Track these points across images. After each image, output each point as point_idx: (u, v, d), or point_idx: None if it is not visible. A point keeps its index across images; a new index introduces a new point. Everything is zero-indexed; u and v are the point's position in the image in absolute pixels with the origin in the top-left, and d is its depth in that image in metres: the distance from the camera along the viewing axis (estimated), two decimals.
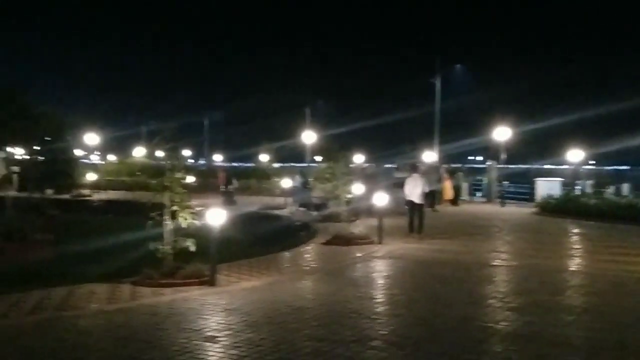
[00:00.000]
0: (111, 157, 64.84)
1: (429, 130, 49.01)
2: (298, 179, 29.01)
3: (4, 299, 9.82)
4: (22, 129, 20.62)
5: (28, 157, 26.65)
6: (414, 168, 20.29)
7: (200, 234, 11.44)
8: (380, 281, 12.60)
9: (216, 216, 11.09)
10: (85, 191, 34.65)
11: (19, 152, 35.75)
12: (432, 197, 26.46)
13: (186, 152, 58.56)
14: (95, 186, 37.17)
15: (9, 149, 38.05)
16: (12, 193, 33.32)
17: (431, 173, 27.43)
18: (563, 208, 25.11)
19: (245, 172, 46.67)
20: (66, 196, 30.54)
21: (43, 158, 25.00)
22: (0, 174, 34.32)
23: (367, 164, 36.50)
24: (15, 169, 33.85)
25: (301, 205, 26.04)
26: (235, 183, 31.91)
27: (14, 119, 18.09)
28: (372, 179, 25.20)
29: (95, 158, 67.16)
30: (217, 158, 74.30)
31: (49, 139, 23.71)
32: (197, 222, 11.40)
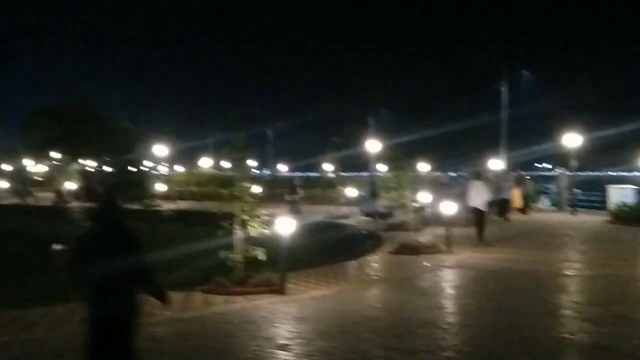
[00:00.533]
0: (178, 168, 66.14)
1: (496, 137, 48.27)
2: (364, 187, 28.96)
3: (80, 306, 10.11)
4: (98, 142, 21.30)
5: (102, 168, 27.49)
6: (477, 175, 20.03)
7: (270, 243, 11.54)
8: (451, 291, 12.41)
9: (285, 225, 11.18)
10: (155, 201, 35.41)
11: (91, 164, 36.87)
12: (504, 205, 26.01)
13: (251, 162, 59.07)
14: (164, 196, 37.95)
15: (83, 161, 39.37)
16: (84, 204, 34.40)
17: (501, 181, 26.97)
18: (638, 216, 24.25)
19: (310, 182, 46.86)
20: (137, 206, 31.27)
21: (116, 169, 25.75)
22: (77, 186, 35.58)
23: (436, 173, 36.14)
24: (94, 180, 34.83)
25: (367, 214, 25.96)
26: (300, 192, 32.05)
27: (89, 132, 18.70)
28: (441, 188, 24.93)
29: (162, 169, 68.71)
30: (282, 168, 74.92)
31: (122, 151, 24.38)
32: (266, 231, 11.50)
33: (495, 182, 25.43)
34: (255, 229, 11.38)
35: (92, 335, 5.36)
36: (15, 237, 22.69)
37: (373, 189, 27.46)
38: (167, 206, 35.30)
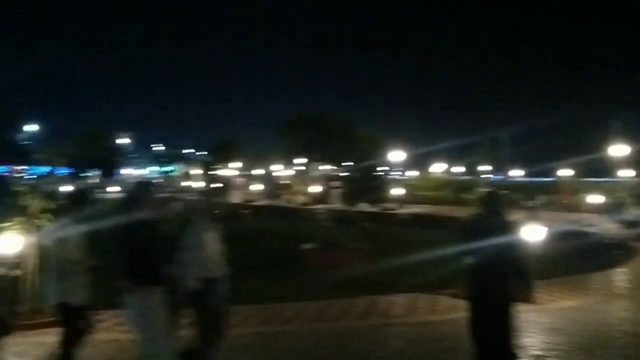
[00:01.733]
0: (411, 173, 66.59)
1: None
2: (609, 194, 26.96)
3: (335, 303, 10.55)
4: (342, 149, 22.21)
5: (345, 173, 28.51)
6: None
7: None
8: None
9: (533, 232, 10.72)
10: (392, 205, 35.95)
11: (331, 169, 38.39)
12: None
13: (485, 167, 57.68)
14: (400, 200, 38.41)
15: (327, 166, 41.27)
16: (327, 206, 35.98)
17: None
18: None
19: (544, 187, 44.64)
20: (375, 209, 31.97)
21: (358, 174, 26.58)
22: (321, 189, 37.43)
23: None
24: (335, 184, 36.27)
25: (616, 222, 24.10)
26: (537, 199, 30.66)
27: (336, 140, 19.66)
28: None
29: (396, 173, 69.59)
30: (516, 173, 72.19)
31: (364, 157, 25.13)
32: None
33: None
34: None
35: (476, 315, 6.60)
36: (267, 235, 24.20)
37: (621, 196, 25.46)
38: (403, 210, 35.72)
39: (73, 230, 6.32)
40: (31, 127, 35.72)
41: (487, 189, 8.31)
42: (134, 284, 5.66)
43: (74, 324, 6.33)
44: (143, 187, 6.38)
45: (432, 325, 9.20)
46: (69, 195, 7.06)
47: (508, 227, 6.53)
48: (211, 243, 6.61)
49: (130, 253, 5.71)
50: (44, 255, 6.39)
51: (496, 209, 6.57)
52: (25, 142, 22.70)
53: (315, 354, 7.79)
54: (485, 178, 13.89)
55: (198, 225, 6.60)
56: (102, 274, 6.23)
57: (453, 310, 10.14)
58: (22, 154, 21.60)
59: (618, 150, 41.67)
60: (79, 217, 6.40)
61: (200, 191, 6.64)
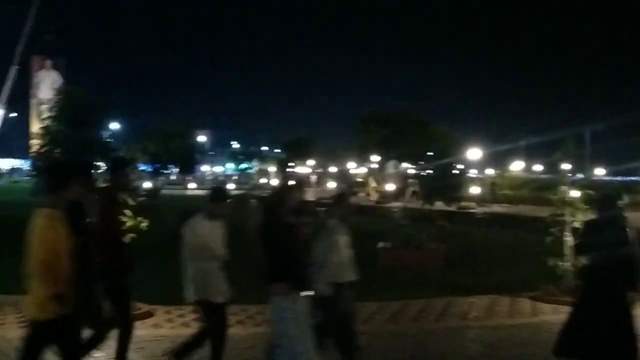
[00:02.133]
0: (489, 171, 65.32)
1: None
2: None
3: (412, 304, 10.36)
4: (419, 146, 21.96)
5: (422, 172, 28.20)
6: None
7: None
8: None
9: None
10: (469, 204, 35.32)
11: (406, 167, 37.99)
12: None
13: (567, 166, 55.91)
14: (477, 199, 37.72)
15: (400, 165, 40.94)
16: (402, 204, 35.64)
17: None
18: None
19: (630, 187, 42.87)
20: (452, 208, 31.48)
21: (435, 172, 26.25)
22: (396, 186, 37.16)
23: None
24: (411, 182, 35.96)
25: None
26: (625, 198, 29.45)
27: (412, 137, 19.40)
28: None
29: (473, 172, 68.39)
30: (599, 172, 69.72)
31: (441, 155, 24.78)
32: None
33: None
34: None
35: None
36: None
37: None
38: (480, 209, 35.01)
39: (213, 226, 6.37)
40: (114, 125, 36.80)
41: (603, 192, 8.33)
42: (282, 287, 5.69)
43: (213, 320, 6.39)
44: (286, 190, 6.53)
45: (512, 330, 8.91)
46: (210, 192, 7.08)
47: (624, 230, 6.52)
48: (343, 247, 6.66)
49: (279, 256, 5.76)
50: (186, 252, 6.37)
51: (613, 211, 6.61)
52: (107, 140, 23.47)
53: (391, 355, 7.67)
54: (569, 177, 13.38)
55: (330, 229, 6.65)
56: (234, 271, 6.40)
57: (534, 315, 9.84)
58: (104, 151, 22.31)
59: None
60: (217, 214, 6.46)
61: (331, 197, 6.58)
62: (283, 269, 5.70)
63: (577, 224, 10.62)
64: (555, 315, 9.69)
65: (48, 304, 4.67)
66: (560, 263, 10.63)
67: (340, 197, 7.56)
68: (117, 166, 6.97)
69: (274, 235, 5.81)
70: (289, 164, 43.22)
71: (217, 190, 7.31)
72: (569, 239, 10.65)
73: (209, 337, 6.42)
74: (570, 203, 10.83)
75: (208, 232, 6.31)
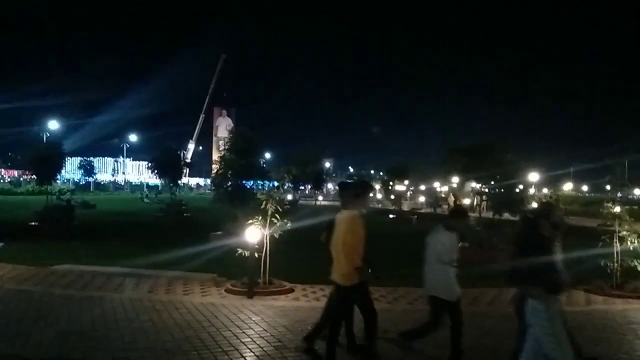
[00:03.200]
0: (545, 190, 61.41)
1: None
2: None
3: (487, 292, 9.80)
4: (491, 170, 21.12)
5: (492, 190, 26.98)
6: None
7: None
8: None
9: None
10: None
11: (479, 185, 36.31)
12: None
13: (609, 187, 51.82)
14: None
15: (474, 184, 39.28)
16: (477, 214, 34.08)
17: None
18: None
19: None
20: (515, 218, 29.82)
21: (502, 190, 25.07)
22: (470, 201, 35.91)
23: None
24: (484, 197, 34.47)
25: None
26: None
27: (490, 165, 18.72)
28: None
29: (532, 190, 64.60)
30: (637, 191, 63.68)
31: (507, 177, 23.67)
32: None
33: None
34: (633, 243, 9.60)
35: None
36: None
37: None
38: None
39: (452, 237, 5.85)
40: (267, 154, 38.12)
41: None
42: (538, 290, 4.87)
43: (440, 316, 5.78)
44: (550, 208, 5.32)
45: (569, 315, 8.10)
46: (451, 210, 6.73)
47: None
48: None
49: (537, 263, 5.17)
50: (430, 256, 5.79)
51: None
52: (263, 164, 24.50)
53: (473, 332, 7.23)
54: (614, 195, 12.45)
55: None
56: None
57: (588, 304, 8.97)
58: (261, 173, 23.21)
59: None
60: (455, 227, 5.94)
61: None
62: (541, 273, 4.87)
63: (623, 233, 9.69)
64: (605, 305, 8.89)
65: (352, 274, 5.30)
66: (610, 264, 9.69)
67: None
68: (365, 189, 6.12)
69: (534, 244, 4.93)
70: (390, 183, 42.73)
71: (457, 209, 6.68)
72: (617, 245, 9.70)
73: (432, 330, 5.79)
74: (619, 216, 9.84)
75: (448, 241, 5.81)
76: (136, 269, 10.66)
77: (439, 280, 5.71)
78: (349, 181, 6.24)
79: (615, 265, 9.63)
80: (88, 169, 48.60)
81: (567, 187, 57.04)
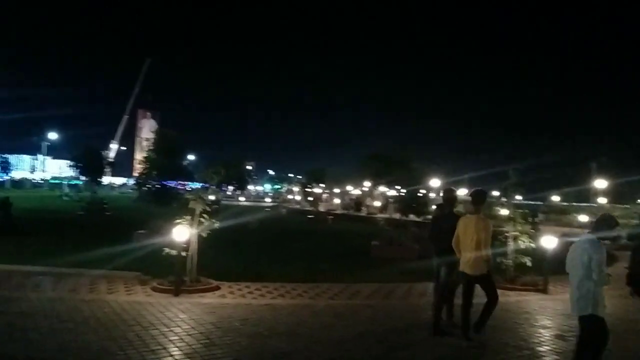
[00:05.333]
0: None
1: None
2: (592, 215, 25.00)
3: (400, 286, 9.92)
4: (399, 176, 21.85)
5: (399, 193, 27.99)
6: None
7: (535, 254, 10.24)
8: None
9: (549, 241, 9.85)
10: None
11: (389, 190, 37.48)
12: None
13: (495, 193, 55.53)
14: None
15: (384, 188, 40.49)
16: (386, 216, 35.09)
17: None
18: None
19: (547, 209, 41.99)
20: (419, 219, 30.96)
21: (408, 194, 26.01)
22: (380, 203, 36.99)
23: None
24: (392, 200, 35.64)
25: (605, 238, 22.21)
26: (541, 217, 28.88)
27: (397, 171, 19.34)
28: None
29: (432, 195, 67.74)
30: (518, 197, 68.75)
31: (413, 182, 24.61)
32: (532, 245, 10.23)
33: None
34: (523, 242, 10.21)
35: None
36: (345, 234, 23.27)
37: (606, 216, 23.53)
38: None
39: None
40: (191, 156, 37.04)
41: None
42: None
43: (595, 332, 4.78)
44: None
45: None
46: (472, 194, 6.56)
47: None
48: None
49: None
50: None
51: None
52: (186, 166, 23.79)
53: (390, 323, 7.29)
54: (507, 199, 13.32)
55: None
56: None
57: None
58: (185, 174, 22.45)
59: (600, 183, 38.90)
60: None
61: None
62: None
63: (515, 233, 10.27)
64: (502, 297, 9.14)
65: (483, 265, 6.14)
66: (504, 260, 10.23)
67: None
68: (482, 197, 6.41)
69: None
70: (308, 186, 42.99)
71: (480, 192, 6.47)
72: (510, 244, 10.26)
73: (589, 348, 4.83)
74: (512, 218, 10.41)
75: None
76: (56, 268, 9.73)
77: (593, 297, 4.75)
78: (483, 190, 6.54)
79: (509, 262, 10.18)
80: (4, 166, 44.49)
81: (461, 192, 60.59)
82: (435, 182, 43.83)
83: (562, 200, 53.18)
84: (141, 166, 22.19)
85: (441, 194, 7.11)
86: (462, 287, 6.36)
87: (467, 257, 6.16)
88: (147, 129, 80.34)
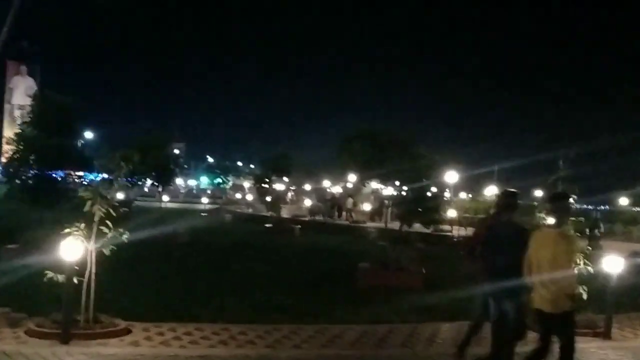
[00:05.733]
0: (462, 195, 65.52)
1: None
2: None
3: (400, 328, 10.08)
4: (397, 166, 21.75)
5: (399, 192, 28.03)
6: None
7: (593, 281, 10.46)
8: None
9: (613, 263, 10.10)
10: (445, 226, 35.22)
11: (384, 187, 37.88)
12: None
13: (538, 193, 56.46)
14: (453, 222, 37.63)
15: (376, 185, 40.82)
16: (379, 225, 35.47)
17: None
18: None
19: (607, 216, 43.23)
20: (428, 230, 31.31)
21: (413, 194, 26.12)
22: (371, 207, 37.20)
23: None
24: (389, 202, 35.88)
25: None
26: (602, 227, 29.61)
27: (395, 157, 19.26)
28: None
29: (447, 195, 68.36)
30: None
31: (419, 177, 24.64)
32: (590, 269, 10.44)
33: None
34: (578, 265, 10.40)
35: None
36: (319, 252, 23.33)
37: None
38: (456, 232, 34.86)
39: None
40: (89, 134, 36.61)
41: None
42: None
43: None
44: None
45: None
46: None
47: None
48: None
49: None
50: None
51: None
52: (82, 149, 23.23)
53: None
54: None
55: None
56: None
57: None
58: (80, 160, 21.99)
59: None
60: None
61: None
62: None
63: None
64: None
65: (566, 300, 6.32)
66: None
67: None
68: (561, 199, 6.96)
69: None
70: (265, 180, 42.85)
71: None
72: None
73: None
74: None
75: None
76: None
77: None
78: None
79: None
80: None
81: (490, 191, 61.48)
82: (451, 177, 44.19)
83: (632, 204, 54.53)
84: (11, 147, 21.73)
85: (496, 198, 7.56)
86: (539, 333, 6.68)
87: (545, 288, 6.26)
88: (21, 92, 78.71)
